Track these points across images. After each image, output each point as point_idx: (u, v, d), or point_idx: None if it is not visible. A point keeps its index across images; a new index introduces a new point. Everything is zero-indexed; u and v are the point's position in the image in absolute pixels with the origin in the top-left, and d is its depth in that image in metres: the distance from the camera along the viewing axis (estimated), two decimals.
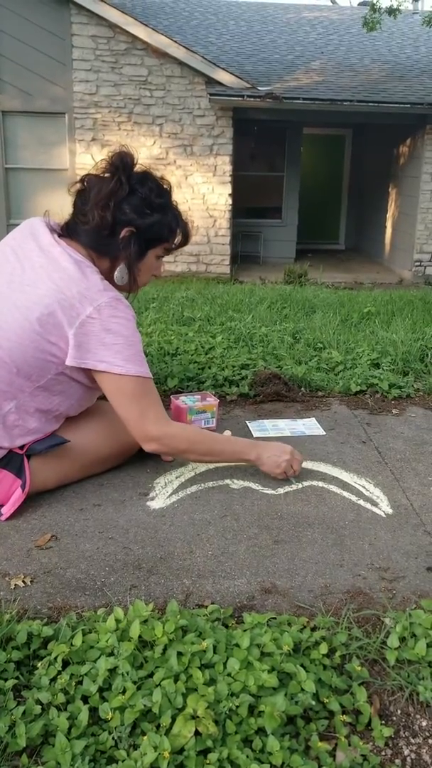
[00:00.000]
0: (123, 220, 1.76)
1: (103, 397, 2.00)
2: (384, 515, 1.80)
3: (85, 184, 1.79)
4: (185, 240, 1.92)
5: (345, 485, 1.96)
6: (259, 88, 9.59)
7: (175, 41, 9.44)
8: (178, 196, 1.87)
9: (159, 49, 9.38)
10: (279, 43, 12.59)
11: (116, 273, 1.80)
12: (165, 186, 1.85)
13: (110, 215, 1.73)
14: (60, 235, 1.78)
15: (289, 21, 14.27)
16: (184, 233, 1.90)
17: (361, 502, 1.87)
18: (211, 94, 9.50)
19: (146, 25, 9.34)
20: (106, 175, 1.78)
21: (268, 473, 1.93)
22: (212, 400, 2.32)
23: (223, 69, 9.57)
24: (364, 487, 1.95)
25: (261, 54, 11.79)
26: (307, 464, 2.05)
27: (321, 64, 11.44)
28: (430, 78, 10.86)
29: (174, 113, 9.80)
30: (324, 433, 2.33)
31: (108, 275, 1.79)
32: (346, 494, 1.91)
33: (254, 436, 2.28)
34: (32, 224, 1.81)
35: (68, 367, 1.72)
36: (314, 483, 1.96)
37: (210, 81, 9.62)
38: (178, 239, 1.89)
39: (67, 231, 1.80)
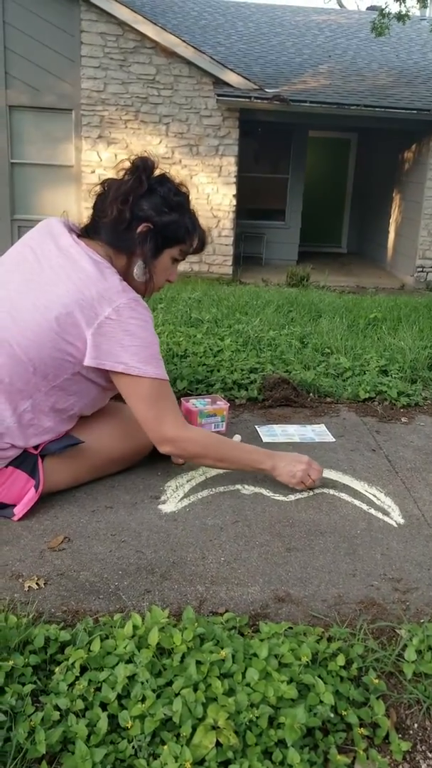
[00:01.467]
0: (140, 216, 1.77)
1: (115, 398, 2.00)
2: (396, 525, 1.80)
3: (105, 187, 1.80)
4: (201, 245, 1.93)
5: (356, 493, 1.95)
6: (267, 90, 9.58)
7: (184, 41, 9.42)
8: None
9: (167, 48, 9.36)
10: (287, 46, 12.58)
11: (135, 269, 1.80)
12: (183, 190, 1.86)
13: (128, 210, 1.75)
14: (79, 236, 1.79)
15: (298, 24, 14.26)
16: (201, 239, 1.91)
17: (373, 511, 1.86)
18: (218, 95, 9.49)
19: (155, 24, 9.32)
20: (126, 177, 1.79)
21: (286, 483, 1.92)
22: (222, 404, 2.32)
23: (230, 70, 9.56)
24: (375, 496, 1.94)
25: (269, 56, 11.78)
26: None
27: (328, 67, 11.43)
28: None
29: (181, 113, 9.78)
30: (334, 439, 2.33)
31: (125, 274, 1.80)
32: (357, 503, 1.90)
33: (264, 441, 2.27)
34: (50, 224, 1.81)
35: (84, 368, 1.72)
36: (325, 490, 1.96)
37: (217, 81, 9.60)
38: (194, 242, 1.89)
39: (86, 232, 1.81)
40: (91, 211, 1.83)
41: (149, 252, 1.80)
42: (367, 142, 12.92)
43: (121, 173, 1.80)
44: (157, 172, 1.83)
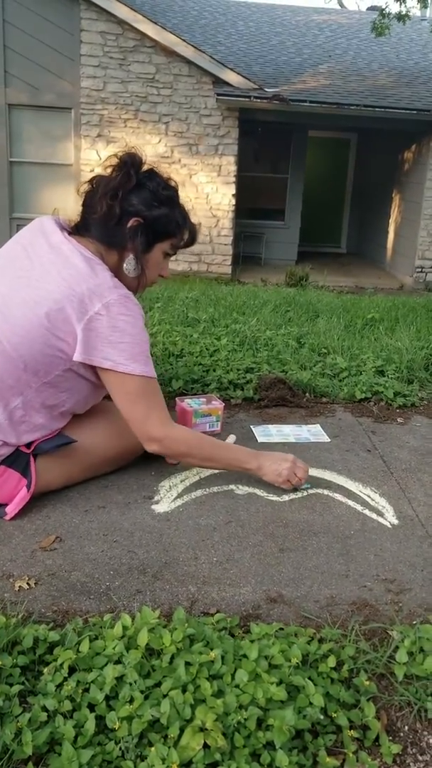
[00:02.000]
0: (130, 210, 1.77)
1: (109, 397, 2.00)
2: (390, 526, 1.79)
3: (94, 184, 1.80)
4: (192, 239, 1.93)
5: (350, 494, 1.95)
6: (267, 90, 9.57)
7: (184, 40, 9.41)
8: (181, 195, 1.89)
9: (167, 48, 9.35)
10: (287, 45, 12.57)
11: (125, 264, 1.80)
12: (172, 184, 1.86)
13: (118, 206, 1.75)
14: (70, 234, 1.78)
15: (298, 23, 14.25)
16: (191, 232, 1.91)
17: (367, 511, 1.86)
18: (218, 94, 9.47)
19: (155, 23, 9.31)
20: (114, 173, 1.78)
21: (272, 483, 1.91)
22: (218, 404, 2.31)
23: (230, 69, 9.54)
24: (369, 497, 1.94)
25: (269, 56, 11.77)
26: (313, 471, 2.04)
27: (329, 67, 11.43)
28: None
29: (180, 112, 9.77)
30: (329, 440, 2.32)
31: (117, 270, 1.79)
32: (351, 503, 1.90)
33: (259, 441, 2.27)
34: (42, 222, 1.81)
35: (76, 364, 1.71)
36: (319, 491, 1.95)
37: (217, 81, 9.59)
38: (185, 236, 1.89)
39: (76, 229, 1.81)
40: (80, 209, 1.82)
41: (140, 247, 1.79)
42: (366, 143, 12.91)
43: (109, 170, 1.80)
44: (145, 167, 1.82)
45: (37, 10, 9.19)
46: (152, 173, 1.83)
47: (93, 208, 1.77)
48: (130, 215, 1.77)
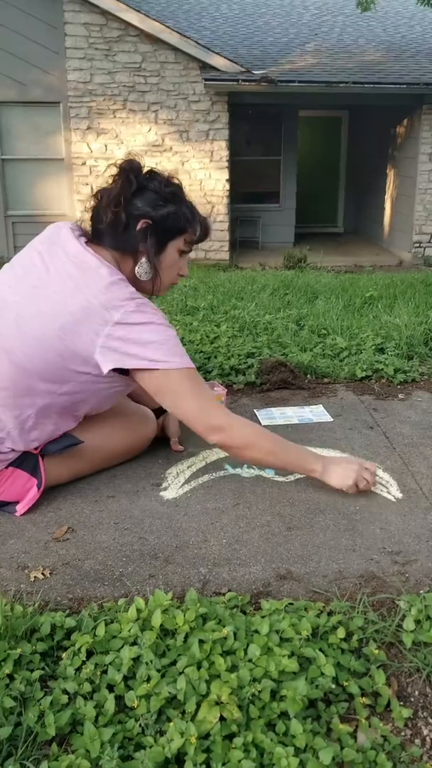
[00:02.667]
0: (137, 214, 1.74)
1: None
2: (394, 500, 1.82)
3: (99, 196, 1.78)
4: (204, 233, 1.89)
5: None
6: (254, 72, 9.52)
7: (168, 27, 9.37)
8: None
9: (152, 35, 9.31)
10: (273, 26, 12.48)
11: (137, 268, 1.77)
12: (175, 181, 1.84)
13: (123, 211, 1.72)
14: (87, 242, 1.76)
15: (283, 3, 14.12)
16: (203, 225, 1.87)
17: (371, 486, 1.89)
18: (205, 79, 9.43)
19: (139, 11, 9.26)
20: (115, 182, 1.77)
21: (338, 487, 1.81)
22: (220, 390, 2.34)
23: (217, 53, 9.50)
24: None
25: (255, 37, 11.69)
26: (317, 451, 2.06)
27: (315, 45, 11.35)
28: (425, 57, 10.78)
29: (169, 99, 9.74)
30: (332, 419, 2.35)
31: (133, 279, 1.78)
32: None
33: (262, 424, 2.29)
34: (59, 229, 1.78)
35: (91, 374, 1.69)
36: None
37: (204, 66, 9.55)
38: (197, 230, 1.85)
39: (91, 238, 1.80)
40: (91, 222, 1.79)
41: (152, 248, 1.76)
42: (358, 119, 12.84)
43: (110, 180, 1.79)
44: (144, 170, 1.82)
45: (19, 5, 9.15)
46: (153, 174, 1.80)
47: (100, 218, 1.75)
48: (138, 218, 1.74)
